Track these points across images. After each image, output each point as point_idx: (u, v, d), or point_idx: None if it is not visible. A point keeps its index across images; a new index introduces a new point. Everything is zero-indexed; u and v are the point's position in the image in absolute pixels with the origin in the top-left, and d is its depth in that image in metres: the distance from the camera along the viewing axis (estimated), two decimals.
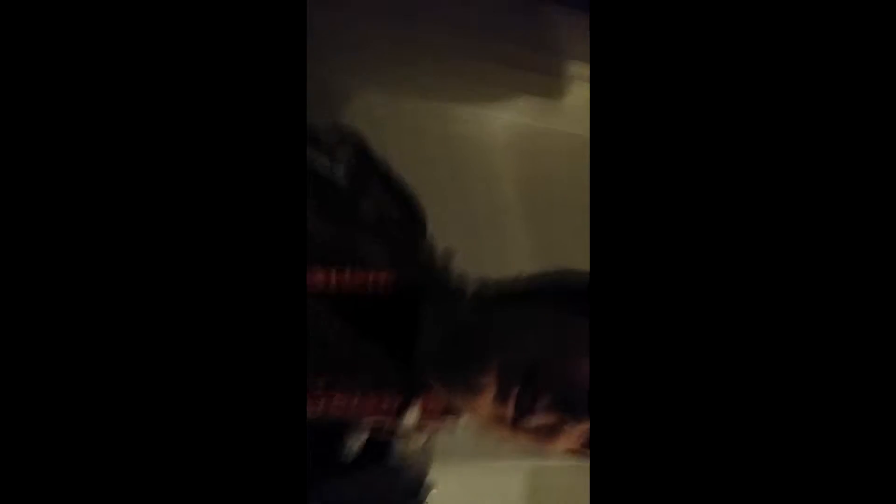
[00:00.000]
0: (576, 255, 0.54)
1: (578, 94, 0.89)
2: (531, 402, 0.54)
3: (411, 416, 0.61)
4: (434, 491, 0.66)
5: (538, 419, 0.54)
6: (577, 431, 0.55)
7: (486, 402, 0.55)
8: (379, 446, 0.62)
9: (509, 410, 0.54)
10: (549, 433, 0.55)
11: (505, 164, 0.95)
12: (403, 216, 0.69)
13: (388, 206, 0.68)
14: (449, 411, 0.63)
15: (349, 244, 0.62)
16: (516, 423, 0.55)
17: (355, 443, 0.61)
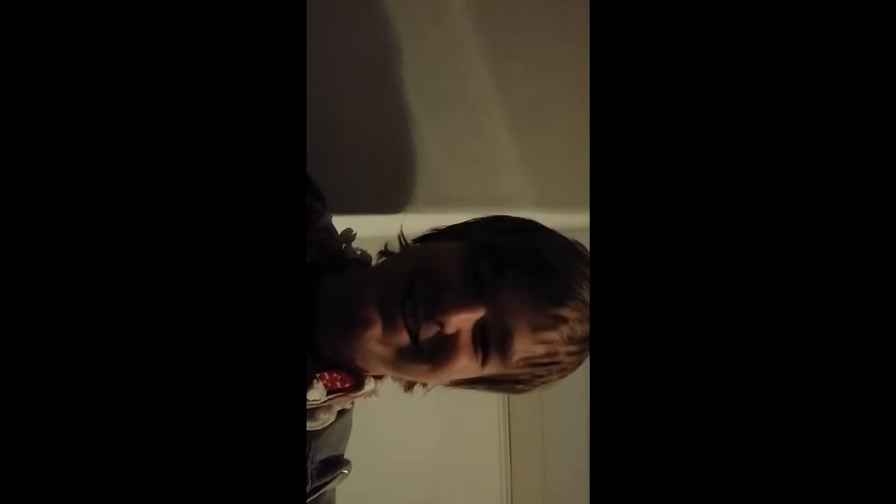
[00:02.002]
0: None
1: None
2: (416, 315, 0.55)
3: (314, 393, 0.58)
4: (345, 471, 0.65)
5: (427, 328, 0.55)
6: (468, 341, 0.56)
7: (376, 333, 0.55)
8: None
9: (402, 331, 0.55)
10: (445, 348, 0.56)
11: None
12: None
13: None
14: (356, 386, 0.62)
15: None
16: (416, 340, 0.55)
17: None
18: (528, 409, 1.66)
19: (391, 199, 0.85)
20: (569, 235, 0.64)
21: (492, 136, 0.85)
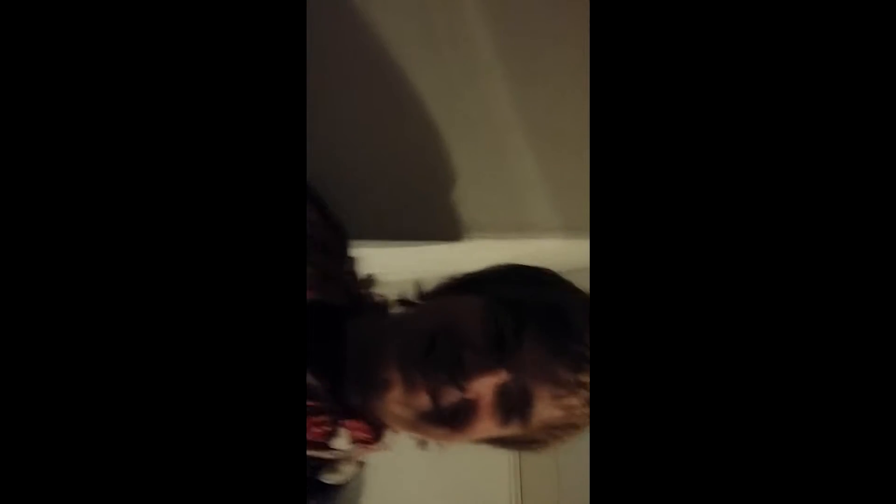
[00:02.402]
0: None
1: None
2: (437, 378, 0.54)
3: (341, 443, 0.57)
4: None
5: (448, 393, 0.54)
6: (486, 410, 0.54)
7: (396, 395, 0.54)
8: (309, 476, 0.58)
9: (422, 394, 0.53)
10: (466, 412, 0.54)
11: None
12: (329, 237, 0.66)
13: (315, 226, 0.65)
14: (376, 438, 0.60)
15: None
16: (437, 403, 0.54)
17: None
18: (540, 465, 1.60)
19: (413, 227, 0.81)
20: None
21: (516, 160, 0.82)
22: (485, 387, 0.54)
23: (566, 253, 0.85)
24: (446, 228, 0.80)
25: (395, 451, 0.63)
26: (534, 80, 0.81)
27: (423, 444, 0.64)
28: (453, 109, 0.79)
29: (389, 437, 0.62)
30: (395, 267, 0.78)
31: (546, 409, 0.55)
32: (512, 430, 0.57)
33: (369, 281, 0.69)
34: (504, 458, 1.59)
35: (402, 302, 0.67)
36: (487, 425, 0.56)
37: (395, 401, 0.54)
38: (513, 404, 0.55)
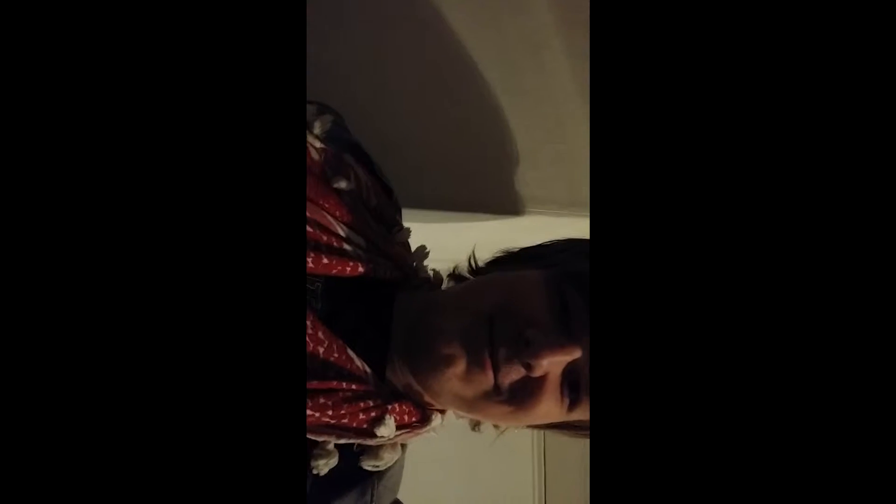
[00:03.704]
0: None
1: None
2: (503, 355, 0.50)
3: (385, 430, 0.54)
4: None
5: (514, 370, 0.50)
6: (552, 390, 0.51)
7: (458, 371, 0.51)
8: (349, 463, 0.55)
9: (488, 370, 0.50)
10: (531, 391, 0.51)
11: None
12: (381, 204, 0.62)
13: (365, 191, 0.61)
14: (422, 420, 0.57)
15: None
16: (497, 381, 0.51)
17: (326, 460, 0.52)
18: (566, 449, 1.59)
19: (467, 200, 0.79)
20: None
21: (575, 136, 0.80)
22: (554, 365, 0.50)
23: None
24: (501, 202, 0.78)
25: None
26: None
27: (476, 426, 0.62)
28: (512, 82, 0.77)
29: (438, 418, 0.58)
30: (443, 244, 0.76)
31: None
32: (580, 414, 0.54)
33: (422, 253, 0.65)
34: (528, 453, 1.57)
35: (456, 276, 0.64)
36: (553, 406, 0.52)
37: (458, 377, 0.51)
38: (585, 385, 0.51)
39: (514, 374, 0.50)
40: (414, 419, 0.56)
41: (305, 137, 0.57)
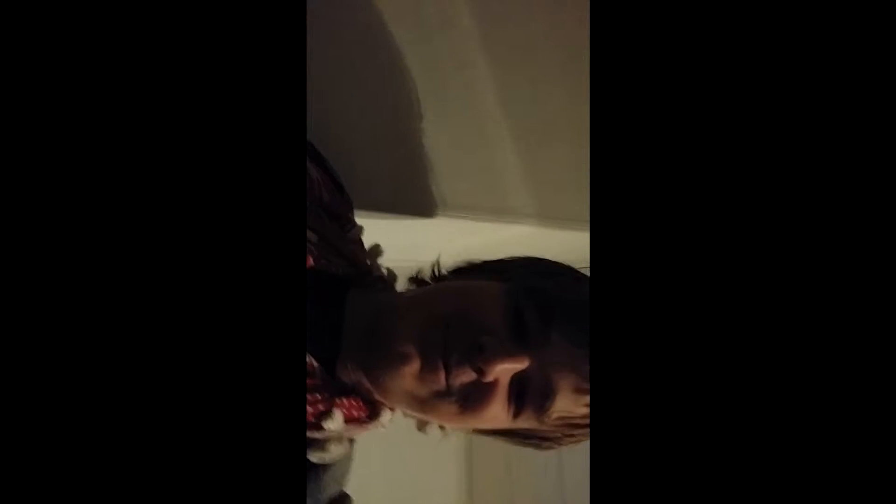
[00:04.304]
0: None
1: None
2: (455, 358, 0.52)
3: (332, 423, 0.55)
4: None
5: (465, 373, 0.52)
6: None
7: (413, 370, 0.52)
8: None
9: (440, 372, 0.52)
10: (480, 395, 0.53)
11: None
12: (333, 201, 0.64)
13: (317, 187, 0.62)
14: (371, 416, 0.59)
15: None
16: (449, 382, 0.52)
17: None
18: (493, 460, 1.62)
19: (403, 202, 0.83)
20: (570, 256, 0.63)
21: (497, 147, 0.84)
22: (504, 372, 0.52)
23: (543, 238, 0.87)
24: (421, 205, 0.82)
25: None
26: (520, 70, 0.84)
27: (422, 426, 0.63)
28: (441, 94, 0.81)
29: (388, 414, 0.60)
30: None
31: (567, 404, 0.54)
32: (525, 422, 0.55)
33: (376, 251, 0.67)
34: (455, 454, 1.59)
35: (417, 281, 0.66)
36: (499, 412, 0.54)
37: (411, 376, 0.53)
38: (530, 394, 0.53)
39: (465, 377, 0.52)
40: (363, 414, 0.58)
41: (305, 136, 0.58)
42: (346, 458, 0.61)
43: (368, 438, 0.62)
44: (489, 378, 0.52)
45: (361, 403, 0.58)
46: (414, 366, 0.52)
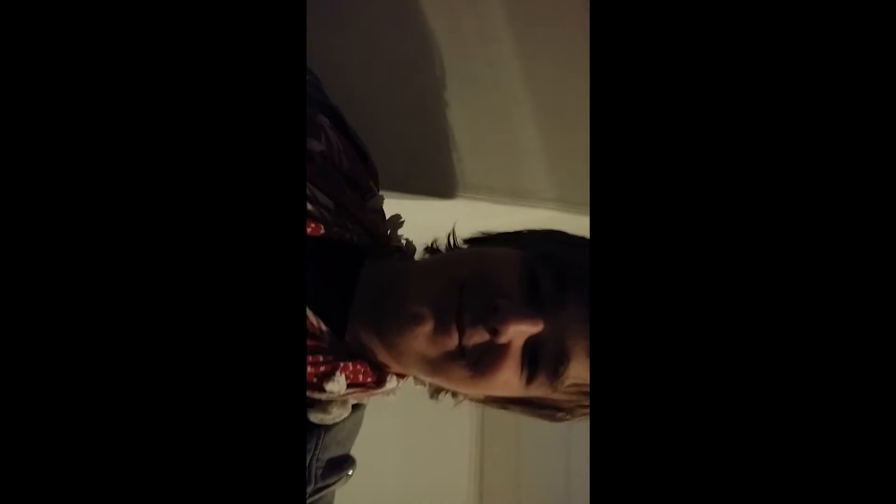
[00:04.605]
0: None
1: None
2: (470, 318, 0.52)
3: (334, 386, 0.55)
4: (350, 472, 0.61)
5: (479, 333, 0.52)
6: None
7: (426, 330, 0.52)
8: None
9: (453, 332, 0.52)
10: (492, 358, 0.52)
11: None
12: (354, 169, 0.63)
13: (337, 154, 0.61)
14: (377, 382, 0.59)
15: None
16: (462, 343, 0.52)
17: None
18: (503, 434, 1.63)
19: (422, 182, 0.82)
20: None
21: (519, 129, 0.83)
22: (519, 334, 0.52)
23: (561, 224, 0.86)
24: (440, 185, 0.81)
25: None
26: (545, 48, 0.82)
27: (435, 393, 0.63)
28: (463, 70, 0.80)
29: (394, 381, 0.60)
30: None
31: (581, 370, 0.53)
32: (538, 389, 0.55)
33: (396, 222, 0.66)
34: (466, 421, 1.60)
35: (432, 250, 0.65)
36: (512, 377, 0.53)
37: (424, 336, 0.52)
38: (543, 359, 0.53)
39: (478, 337, 0.52)
40: (369, 379, 0.58)
41: (305, 135, 0.58)
42: (352, 423, 0.61)
43: (381, 407, 0.62)
44: (503, 339, 0.51)
45: (368, 368, 0.57)
46: (427, 326, 0.52)
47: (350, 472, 0.61)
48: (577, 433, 1.58)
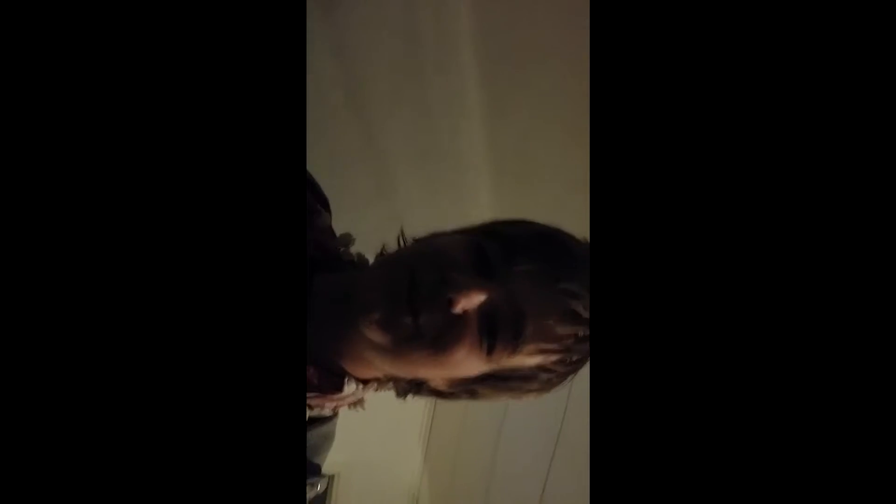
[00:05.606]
0: None
1: None
2: (420, 294, 0.52)
3: None
4: (317, 486, 0.58)
5: (431, 306, 0.51)
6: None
7: (375, 316, 0.52)
8: None
9: (407, 313, 0.51)
10: (449, 332, 0.52)
11: None
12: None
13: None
14: (334, 387, 0.58)
15: None
16: (418, 322, 0.52)
17: None
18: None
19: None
20: None
21: (476, 195, 0.85)
22: (471, 302, 0.51)
23: None
24: None
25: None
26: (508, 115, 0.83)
27: (402, 393, 0.62)
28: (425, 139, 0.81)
29: (353, 385, 0.58)
30: None
31: (538, 329, 0.52)
32: (500, 359, 0.54)
33: (348, 239, 0.66)
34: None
35: (382, 254, 0.64)
36: (472, 350, 0.53)
37: (375, 322, 0.52)
38: (501, 325, 0.52)
39: (433, 313, 0.51)
40: (316, 381, 0.57)
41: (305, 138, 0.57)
42: (319, 434, 0.60)
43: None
44: (458, 308, 0.51)
45: (322, 371, 0.57)
46: (376, 312, 0.52)
47: (318, 487, 0.59)
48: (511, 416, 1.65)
